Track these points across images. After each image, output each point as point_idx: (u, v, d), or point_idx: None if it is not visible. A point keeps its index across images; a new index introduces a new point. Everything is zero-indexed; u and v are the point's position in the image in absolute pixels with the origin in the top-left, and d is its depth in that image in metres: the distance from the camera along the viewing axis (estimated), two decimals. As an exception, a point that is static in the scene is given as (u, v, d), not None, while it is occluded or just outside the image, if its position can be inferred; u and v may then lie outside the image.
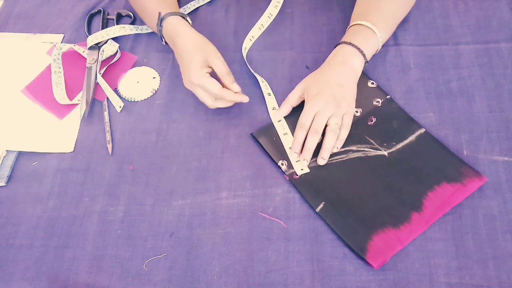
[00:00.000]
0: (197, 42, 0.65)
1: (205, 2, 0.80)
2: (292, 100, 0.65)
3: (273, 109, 0.67)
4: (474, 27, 0.73)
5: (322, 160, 0.61)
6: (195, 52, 0.63)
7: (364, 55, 0.64)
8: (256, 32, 0.75)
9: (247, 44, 0.74)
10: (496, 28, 0.72)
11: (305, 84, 0.65)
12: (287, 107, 0.65)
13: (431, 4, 0.76)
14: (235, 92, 0.63)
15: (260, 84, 0.69)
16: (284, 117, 0.66)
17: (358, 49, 0.64)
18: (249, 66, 0.71)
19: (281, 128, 0.65)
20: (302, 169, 0.61)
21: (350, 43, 0.64)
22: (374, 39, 0.65)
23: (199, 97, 0.64)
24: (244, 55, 0.72)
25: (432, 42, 0.72)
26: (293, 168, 0.62)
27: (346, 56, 0.64)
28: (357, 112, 0.66)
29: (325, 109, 0.61)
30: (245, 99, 0.64)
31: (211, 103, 0.64)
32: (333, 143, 0.62)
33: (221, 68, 0.63)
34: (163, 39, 0.70)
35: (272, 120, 0.66)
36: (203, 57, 0.63)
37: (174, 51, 0.68)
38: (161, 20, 0.67)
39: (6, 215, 0.62)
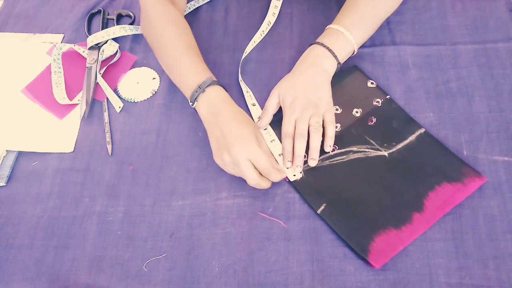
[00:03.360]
0: (246, 116, 0.61)
1: (205, 2, 0.81)
2: (271, 108, 0.65)
3: (258, 117, 0.66)
4: (471, 27, 0.73)
5: (313, 161, 0.61)
6: (249, 123, 0.59)
7: (336, 57, 0.64)
8: (257, 38, 0.75)
9: (248, 48, 0.73)
10: (494, 29, 0.72)
11: (279, 91, 0.65)
12: (268, 116, 0.64)
13: (428, 4, 0.76)
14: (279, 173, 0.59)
15: (245, 94, 0.69)
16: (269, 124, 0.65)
17: (330, 50, 0.64)
18: (240, 75, 0.71)
19: (268, 135, 0.64)
20: (294, 175, 0.61)
21: (322, 44, 0.65)
22: (346, 42, 0.65)
23: (238, 173, 0.58)
24: (242, 57, 0.72)
25: (430, 42, 0.72)
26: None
27: (317, 57, 0.64)
28: (357, 112, 0.66)
29: (304, 113, 0.62)
30: (282, 177, 0.59)
31: (255, 181, 0.57)
32: (319, 141, 0.61)
33: (266, 147, 0.60)
34: (194, 103, 0.62)
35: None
36: (255, 130, 0.59)
37: (210, 122, 0.60)
38: (208, 84, 0.61)
39: (6, 215, 0.62)
